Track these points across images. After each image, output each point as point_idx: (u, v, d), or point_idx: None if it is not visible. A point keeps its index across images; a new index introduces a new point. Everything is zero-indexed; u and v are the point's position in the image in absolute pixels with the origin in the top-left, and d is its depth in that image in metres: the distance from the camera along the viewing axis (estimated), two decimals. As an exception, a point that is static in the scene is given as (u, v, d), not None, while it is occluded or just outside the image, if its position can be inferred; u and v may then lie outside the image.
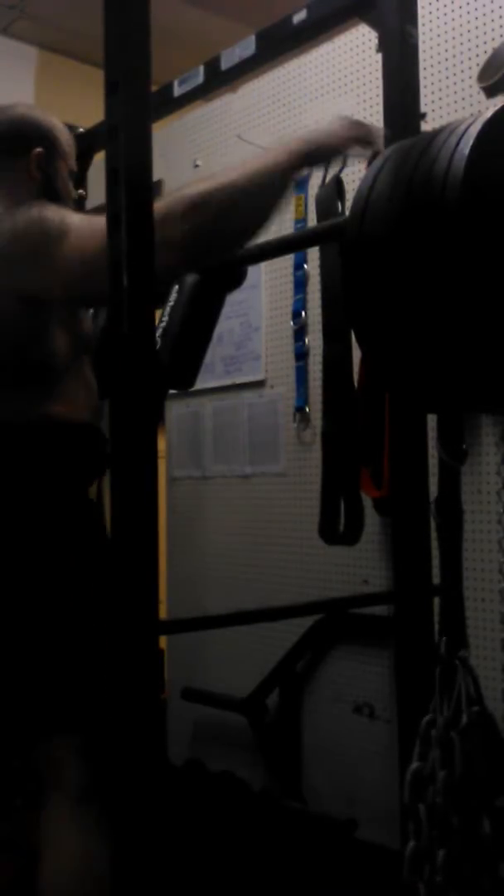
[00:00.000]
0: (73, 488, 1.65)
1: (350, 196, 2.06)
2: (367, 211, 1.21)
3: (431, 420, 1.59)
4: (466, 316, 1.14)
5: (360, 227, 1.22)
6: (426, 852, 1.33)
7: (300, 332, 2.46)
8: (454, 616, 1.42)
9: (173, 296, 1.79)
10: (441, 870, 1.31)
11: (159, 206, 1.42)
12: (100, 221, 1.38)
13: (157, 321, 1.88)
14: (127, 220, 1.26)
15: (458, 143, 1.09)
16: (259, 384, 2.61)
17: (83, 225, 1.51)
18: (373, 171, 1.24)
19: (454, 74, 2.09)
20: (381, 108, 1.68)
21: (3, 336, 1.60)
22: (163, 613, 1.43)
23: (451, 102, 2.09)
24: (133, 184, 1.28)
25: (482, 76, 2.01)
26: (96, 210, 1.54)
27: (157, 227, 1.35)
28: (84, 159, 2.49)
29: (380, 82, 1.69)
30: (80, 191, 2.47)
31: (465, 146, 1.08)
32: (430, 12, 2.12)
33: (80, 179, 2.50)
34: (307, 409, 2.44)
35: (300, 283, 2.47)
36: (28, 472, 1.59)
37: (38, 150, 1.73)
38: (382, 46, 1.65)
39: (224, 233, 1.49)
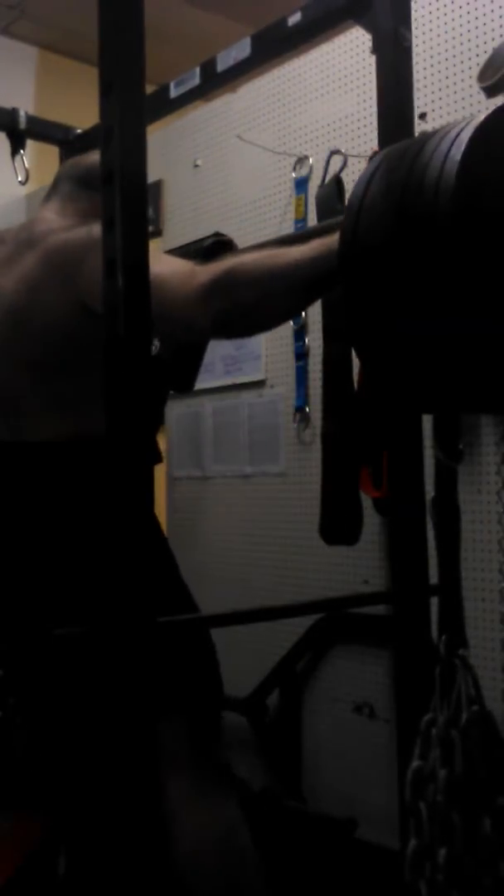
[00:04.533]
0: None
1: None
2: (361, 215, 1.21)
3: (428, 419, 1.59)
4: (461, 319, 1.14)
5: (354, 231, 1.21)
6: (427, 851, 1.33)
7: (300, 332, 2.46)
8: (453, 615, 1.42)
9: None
10: (442, 868, 1.31)
11: (209, 270, 1.46)
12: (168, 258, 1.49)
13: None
14: (122, 221, 1.26)
15: (450, 149, 1.09)
16: (259, 384, 2.61)
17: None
18: (366, 174, 1.23)
19: (454, 74, 2.09)
20: (380, 108, 1.68)
21: (66, 333, 1.61)
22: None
23: (450, 102, 2.09)
24: (128, 185, 1.27)
25: (482, 76, 2.01)
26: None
27: (207, 292, 1.42)
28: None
29: (380, 83, 1.69)
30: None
31: (457, 152, 1.08)
32: (430, 12, 2.12)
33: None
34: (307, 409, 2.45)
35: (300, 283, 2.47)
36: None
37: None
38: (376, 49, 1.64)
39: (263, 312, 1.49)
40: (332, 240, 1.36)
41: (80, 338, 1.60)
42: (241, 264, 1.45)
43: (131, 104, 1.29)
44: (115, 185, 1.27)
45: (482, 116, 1.12)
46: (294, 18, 1.75)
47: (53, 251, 1.64)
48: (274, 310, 1.50)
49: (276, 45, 1.88)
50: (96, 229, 1.59)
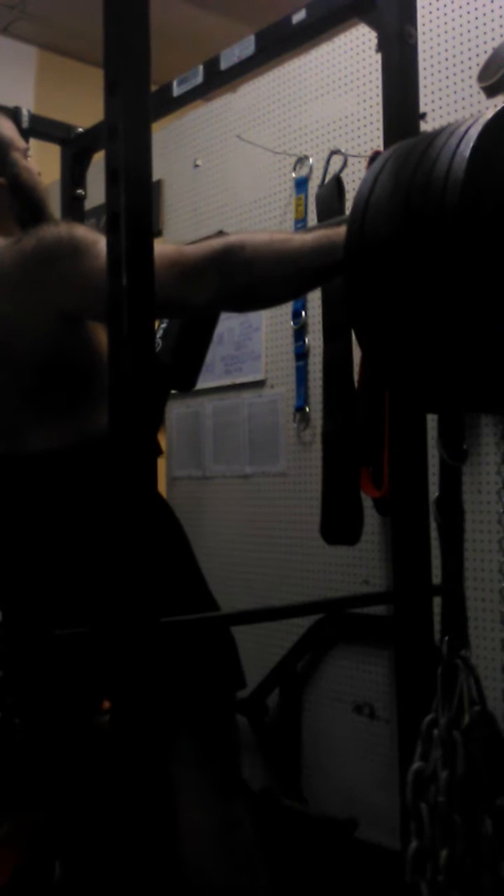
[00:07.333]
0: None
1: (350, 196, 2.07)
2: (368, 213, 1.21)
3: (431, 419, 1.59)
4: (466, 317, 1.14)
5: (360, 229, 1.21)
6: (428, 852, 1.33)
7: (300, 332, 2.46)
8: (456, 615, 1.42)
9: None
10: (443, 869, 1.31)
11: (202, 246, 1.44)
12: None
13: (157, 323, 1.88)
14: (126, 220, 1.26)
15: (458, 146, 1.09)
16: (259, 384, 2.61)
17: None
18: (372, 172, 1.23)
19: (454, 74, 2.09)
20: (381, 108, 1.67)
21: (50, 351, 1.58)
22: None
23: (451, 102, 2.09)
24: (132, 184, 1.27)
25: (482, 76, 2.01)
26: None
27: (203, 267, 1.40)
28: (83, 159, 2.49)
29: (380, 82, 1.68)
30: (79, 190, 2.47)
31: (466, 148, 1.08)
32: (430, 12, 2.12)
33: (80, 179, 2.50)
34: (307, 409, 2.45)
35: (300, 283, 2.47)
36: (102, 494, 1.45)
37: None
38: (382, 47, 1.64)
39: (259, 293, 1.48)
40: (336, 231, 1.36)
41: (63, 347, 1.57)
42: (241, 243, 1.43)
43: (136, 103, 1.28)
44: (119, 183, 1.26)
45: (490, 114, 1.12)
46: (298, 16, 1.74)
47: (14, 274, 1.57)
48: (270, 293, 1.49)
49: (280, 43, 1.87)
50: (49, 233, 1.54)
